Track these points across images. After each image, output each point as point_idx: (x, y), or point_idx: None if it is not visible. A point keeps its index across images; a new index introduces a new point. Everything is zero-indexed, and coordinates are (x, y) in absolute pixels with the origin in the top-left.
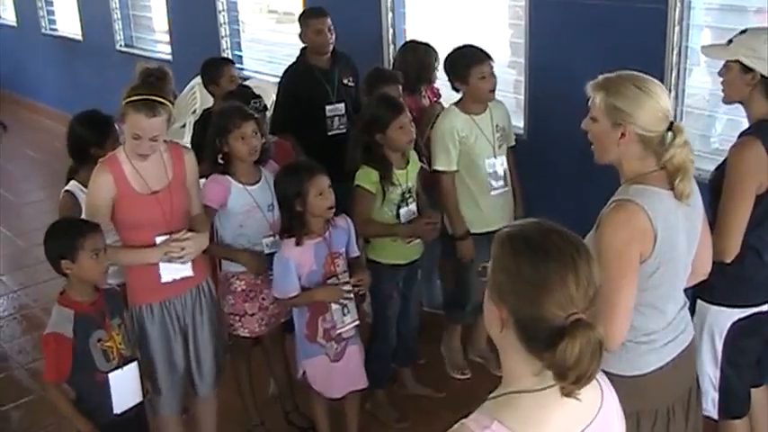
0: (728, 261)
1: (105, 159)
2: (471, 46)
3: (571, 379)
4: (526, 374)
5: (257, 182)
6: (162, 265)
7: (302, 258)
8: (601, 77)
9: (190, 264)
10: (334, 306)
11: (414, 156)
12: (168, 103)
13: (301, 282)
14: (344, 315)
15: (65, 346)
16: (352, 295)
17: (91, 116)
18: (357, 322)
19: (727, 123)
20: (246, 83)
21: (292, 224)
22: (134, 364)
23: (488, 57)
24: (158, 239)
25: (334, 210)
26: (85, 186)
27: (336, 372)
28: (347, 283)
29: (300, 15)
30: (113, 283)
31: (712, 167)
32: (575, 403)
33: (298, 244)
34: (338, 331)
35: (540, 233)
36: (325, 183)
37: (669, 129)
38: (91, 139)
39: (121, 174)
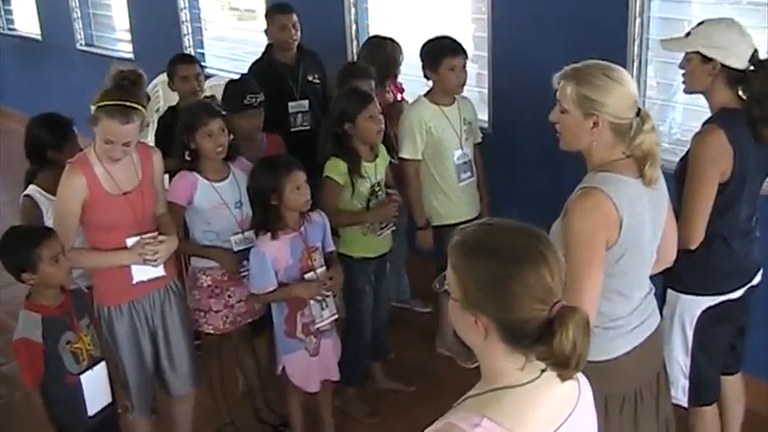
0: (693, 248)
1: (75, 161)
2: (448, 37)
3: (573, 365)
4: (509, 371)
5: (225, 179)
6: (134, 266)
7: (278, 253)
8: (568, 68)
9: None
10: (312, 301)
11: (383, 149)
12: (141, 108)
13: (278, 277)
14: (323, 309)
15: (36, 350)
16: (329, 292)
17: (49, 118)
18: (335, 316)
19: (685, 113)
20: (208, 81)
21: (267, 219)
22: (102, 364)
23: (463, 51)
24: (129, 242)
25: (310, 204)
26: (45, 190)
27: (314, 366)
28: (324, 282)
29: (266, 11)
30: (82, 284)
31: (673, 158)
32: (557, 394)
33: (273, 238)
34: (317, 325)
35: (499, 236)
36: (302, 178)
37: (637, 115)
38: (49, 141)
39: (93, 175)
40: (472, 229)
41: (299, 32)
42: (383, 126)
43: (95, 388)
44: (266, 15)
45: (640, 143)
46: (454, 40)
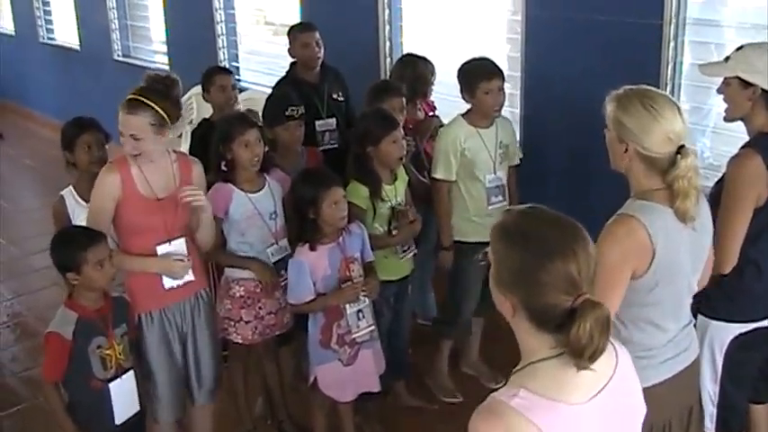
0: (725, 273)
1: (114, 160)
2: (485, 59)
3: (587, 356)
4: (542, 347)
5: (260, 189)
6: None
7: (317, 263)
8: (621, 89)
9: (190, 269)
10: (349, 311)
11: (401, 170)
12: (154, 105)
13: (317, 287)
14: (359, 320)
15: (63, 346)
16: (368, 301)
17: (73, 120)
18: (373, 327)
19: (715, 137)
20: (242, 94)
21: (305, 230)
22: (131, 374)
23: (499, 73)
24: (159, 250)
25: (346, 220)
26: (80, 194)
27: (348, 375)
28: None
29: (289, 30)
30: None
31: (706, 182)
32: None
33: (312, 249)
34: (353, 336)
35: (537, 224)
36: (340, 194)
37: (678, 152)
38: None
39: (129, 176)
40: (515, 214)
41: (322, 50)
42: (405, 152)
43: (124, 397)
44: (289, 33)
45: (673, 180)
46: (491, 62)
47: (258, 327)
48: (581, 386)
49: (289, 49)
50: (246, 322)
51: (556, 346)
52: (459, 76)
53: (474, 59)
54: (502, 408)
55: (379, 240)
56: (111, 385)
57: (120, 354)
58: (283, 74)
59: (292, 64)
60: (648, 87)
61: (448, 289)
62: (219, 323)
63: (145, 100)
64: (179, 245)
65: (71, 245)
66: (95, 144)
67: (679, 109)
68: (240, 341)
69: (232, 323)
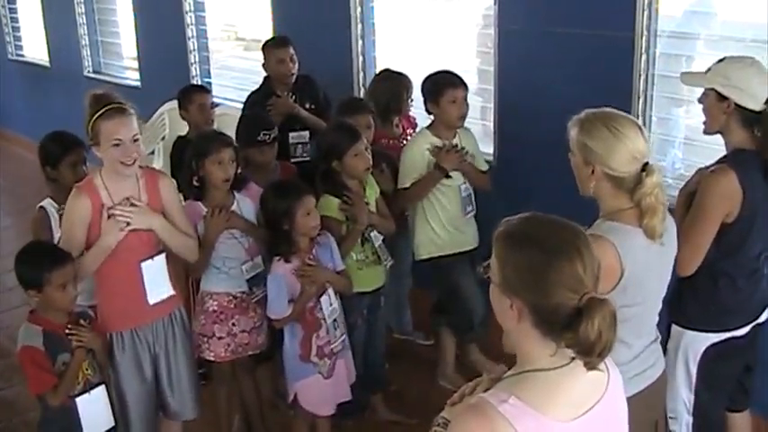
0: (683, 276)
1: (81, 185)
2: (448, 71)
3: (597, 352)
4: (542, 355)
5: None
6: (148, 286)
7: (292, 277)
8: (582, 113)
9: (168, 282)
10: (328, 320)
11: (371, 180)
12: (132, 111)
13: (294, 299)
14: (335, 329)
15: (40, 355)
16: (339, 309)
17: (55, 135)
18: (345, 335)
19: (686, 148)
20: (215, 110)
21: (279, 243)
22: (101, 388)
23: (462, 83)
24: (144, 267)
25: (319, 228)
26: (58, 203)
27: (328, 388)
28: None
29: (263, 45)
30: (85, 304)
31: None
32: (586, 381)
33: (287, 261)
34: (331, 346)
35: (540, 227)
36: (312, 203)
37: (643, 170)
38: (47, 157)
39: (97, 197)
40: (517, 221)
41: (296, 65)
42: (371, 163)
43: (94, 412)
44: (263, 49)
45: (640, 198)
46: (453, 74)
47: (231, 344)
48: (570, 404)
49: (263, 64)
50: (219, 338)
51: (555, 353)
52: (422, 89)
53: (437, 72)
54: (490, 411)
55: (355, 233)
56: (78, 400)
57: (86, 368)
58: (256, 87)
59: (266, 77)
60: (609, 110)
61: (450, 302)
62: (195, 340)
63: (126, 107)
64: (161, 261)
65: (35, 264)
66: (80, 162)
67: (641, 128)
68: (212, 358)
69: (205, 339)
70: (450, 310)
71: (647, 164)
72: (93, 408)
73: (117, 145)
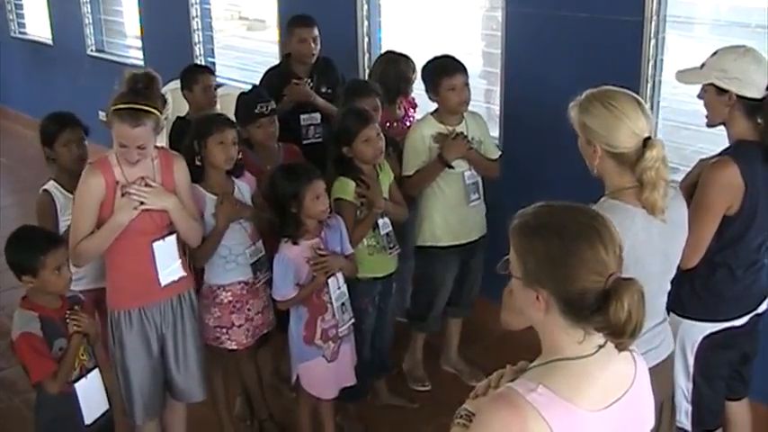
0: (686, 269)
1: (96, 161)
2: (447, 56)
3: (628, 333)
4: (569, 344)
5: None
6: (159, 267)
7: (300, 258)
8: (583, 94)
9: (180, 265)
10: (335, 304)
11: (386, 165)
12: (154, 110)
13: (301, 282)
14: (343, 313)
15: (40, 343)
16: (346, 293)
17: (53, 115)
18: (353, 320)
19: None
20: (218, 90)
21: (287, 225)
22: (96, 372)
23: (461, 69)
24: (155, 247)
25: (328, 213)
26: (63, 187)
27: (331, 371)
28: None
29: (288, 22)
30: (77, 289)
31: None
32: (614, 370)
33: (295, 244)
34: (338, 330)
35: (555, 214)
36: (322, 187)
37: (644, 145)
38: (44, 137)
39: (112, 177)
40: (532, 211)
41: (318, 46)
42: (382, 147)
43: (91, 396)
44: (288, 27)
45: (641, 172)
46: (453, 59)
47: (250, 329)
48: (599, 393)
49: (285, 42)
50: (239, 326)
51: (583, 341)
52: (423, 76)
53: (436, 57)
54: (518, 400)
55: (369, 220)
56: (77, 385)
57: (82, 354)
58: (262, 68)
59: (286, 55)
60: (608, 87)
61: (420, 286)
62: (211, 333)
63: (145, 108)
64: (172, 242)
65: (29, 247)
66: (75, 141)
67: (640, 103)
68: (236, 347)
69: (224, 330)
70: (416, 294)
71: (648, 138)
72: (91, 392)
73: (122, 146)
